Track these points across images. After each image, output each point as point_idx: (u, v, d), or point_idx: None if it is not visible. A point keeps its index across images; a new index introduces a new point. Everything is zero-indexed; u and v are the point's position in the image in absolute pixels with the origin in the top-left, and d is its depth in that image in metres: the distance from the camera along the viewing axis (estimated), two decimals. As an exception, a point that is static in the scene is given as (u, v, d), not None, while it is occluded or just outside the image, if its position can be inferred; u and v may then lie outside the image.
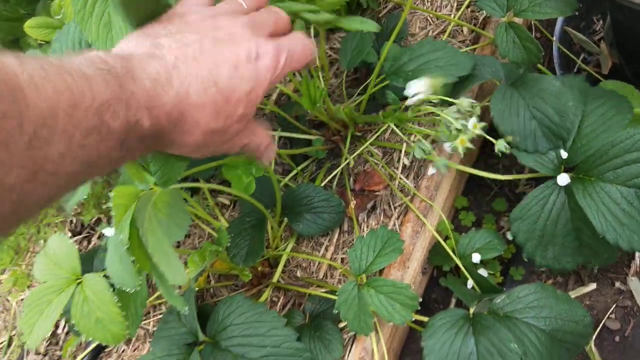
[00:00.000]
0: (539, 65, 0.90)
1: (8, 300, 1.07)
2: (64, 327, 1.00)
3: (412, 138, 0.90)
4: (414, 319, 0.75)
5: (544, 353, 0.68)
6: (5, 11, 1.15)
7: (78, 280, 0.70)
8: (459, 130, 0.63)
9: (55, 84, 0.32)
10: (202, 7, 0.48)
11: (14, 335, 1.03)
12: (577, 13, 0.88)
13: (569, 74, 1.00)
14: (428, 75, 0.64)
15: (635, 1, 0.70)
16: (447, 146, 0.64)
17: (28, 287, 1.03)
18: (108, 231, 0.76)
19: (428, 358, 0.68)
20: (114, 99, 0.36)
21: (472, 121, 0.62)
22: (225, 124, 0.44)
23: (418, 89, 0.62)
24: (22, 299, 1.06)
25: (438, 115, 0.65)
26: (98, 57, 0.38)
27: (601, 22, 1.03)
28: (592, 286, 0.88)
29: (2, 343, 1.04)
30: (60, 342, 0.99)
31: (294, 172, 0.94)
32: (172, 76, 0.40)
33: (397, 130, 0.85)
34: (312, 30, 1.01)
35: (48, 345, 1.00)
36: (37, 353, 1.00)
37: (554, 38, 1.00)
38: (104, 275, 0.68)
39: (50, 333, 1.00)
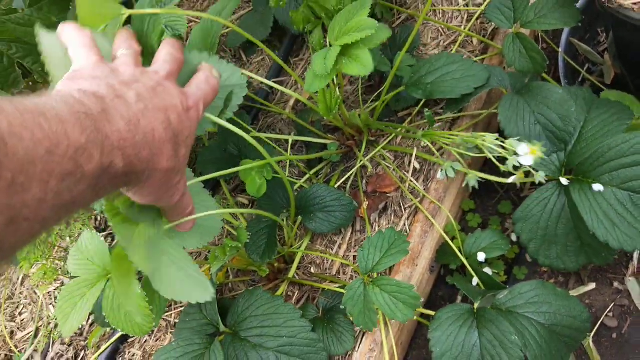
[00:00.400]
0: (544, 74, 0.95)
1: (36, 293, 1.13)
2: (89, 319, 1.06)
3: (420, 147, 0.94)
4: (421, 314, 0.79)
5: (543, 346, 0.72)
6: (38, 18, 1.21)
7: (108, 276, 0.75)
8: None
9: (33, 131, 0.33)
10: (131, 64, 0.50)
11: (40, 326, 1.09)
12: (580, 24, 0.93)
13: (573, 83, 1.04)
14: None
15: (635, 17, 0.75)
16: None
17: (55, 280, 1.09)
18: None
19: (434, 349, 0.72)
20: (89, 142, 0.36)
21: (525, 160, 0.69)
22: (177, 163, 0.46)
23: (523, 151, 0.68)
24: (48, 292, 1.11)
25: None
26: (72, 97, 0.38)
27: (605, 34, 1.07)
28: (592, 286, 0.92)
29: (29, 333, 1.09)
30: (85, 334, 1.05)
31: (308, 175, 0.98)
32: (139, 117, 0.42)
33: (431, 146, 0.90)
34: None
35: (73, 336, 1.05)
36: (63, 343, 1.05)
37: (560, 49, 1.04)
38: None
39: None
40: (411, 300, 0.72)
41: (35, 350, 1.07)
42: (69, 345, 1.04)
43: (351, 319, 0.77)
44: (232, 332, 0.79)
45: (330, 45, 0.75)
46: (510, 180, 0.73)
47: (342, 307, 0.77)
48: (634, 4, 0.75)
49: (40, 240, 0.92)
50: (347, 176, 0.96)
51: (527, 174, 0.75)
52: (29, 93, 1.35)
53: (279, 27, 1.12)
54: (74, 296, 0.75)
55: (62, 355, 1.04)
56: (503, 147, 0.73)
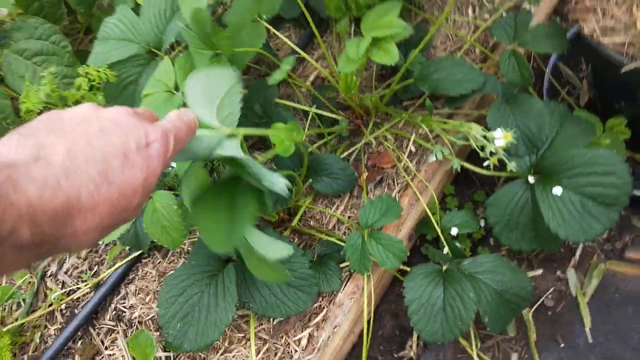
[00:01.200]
0: (530, 88, 1.11)
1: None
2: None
3: (416, 134, 1.10)
4: (398, 270, 0.96)
5: (493, 306, 0.90)
6: (87, -37, 1.32)
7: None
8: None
9: None
10: (113, 109, 0.46)
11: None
12: (567, 52, 1.09)
13: (555, 100, 1.21)
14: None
15: (610, 54, 0.91)
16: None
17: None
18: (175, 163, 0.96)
19: (407, 294, 0.89)
20: None
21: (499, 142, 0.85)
22: (121, 218, 0.42)
23: (499, 135, 0.84)
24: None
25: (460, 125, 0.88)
26: None
27: (586, 64, 1.24)
28: (539, 271, 1.10)
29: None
30: (100, 251, 1.18)
31: (320, 142, 1.14)
32: (59, 179, 0.37)
33: (428, 132, 1.06)
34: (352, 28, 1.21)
35: (89, 252, 1.19)
36: (78, 257, 1.19)
37: (547, 69, 1.21)
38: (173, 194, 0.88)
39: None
40: (399, 253, 0.89)
41: (52, 260, 1.20)
42: (84, 260, 1.18)
43: (348, 263, 0.93)
44: (243, 260, 0.95)
45: (362, 35, 0.90)
46: (486, 163, 0.90)
47: (342, 253, 0.93)
48: (612, 43, 0.92)
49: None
50: (352, 150, 1.12)
51: (502, 164, 0.91)
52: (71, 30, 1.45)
53: (308, 8, 1.26)
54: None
55: (77, 267, 1.17)
56: (485, 138, 0.89)
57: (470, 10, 1.26)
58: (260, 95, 1.10)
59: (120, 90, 1.08)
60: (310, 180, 1.06)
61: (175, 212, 0.87)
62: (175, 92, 0.94)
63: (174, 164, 1.02)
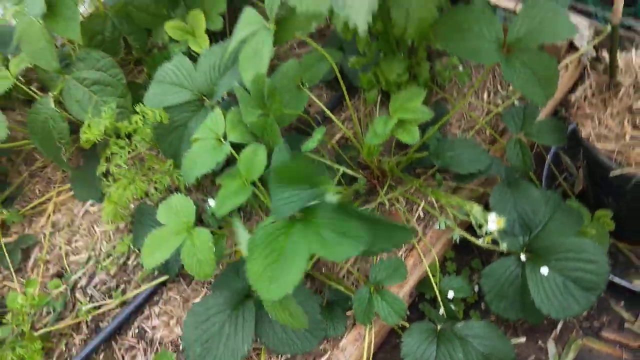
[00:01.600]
0: (531, 174, 1.25)
1: (93, 228, 1.38)
2: (134, 260, 1.31)
3: (420, 206, 1.23)
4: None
5: (479, 367, 1.01)
6: (152, 7, 1.48)
7: (190, 230, 1.01)
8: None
9: None
10: None
11: (92, 254, 1.34)
12: (567, 144, 1.23)
13: (552, 184, 1.35)
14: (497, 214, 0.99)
15: (600, 157, 1.05)
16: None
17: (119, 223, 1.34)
18: (212, 202, 1.09)
19: (404, 348, 1.01)
20: None
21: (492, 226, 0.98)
22: None
23: (492, 220, 0.97)
24: (104, 230, 1.37)
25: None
26: None
27: (582, 156, 1.38)
28: (523, 339, 1.22)
29: (81, 258, 1.34)
30: (127, 270, 1.30)
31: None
32: None
33: (434, 202, 1.19)
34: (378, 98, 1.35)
35: (117, 271, 1.31)
36: (108, 274, 1.30)
37: (548, 157, 1.35)
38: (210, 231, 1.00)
39: (122, 261, 1.31)
40: (401, 311, 1.01)
41: (84, 274, 1.32)
42: (113, 277, 1.30)
43: (350, 312, 1.05)
44: (259, 301, 1.06)
45: (388, 110, 1.04)
46: (480, 241, 1.02)
47: (350, 303, 1.05)
48: (604, 149, 1.05)
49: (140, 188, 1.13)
50: (366, 207, 1.25)
51: (496, 243, 1.04)
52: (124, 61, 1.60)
53: (342, 74, 1.40)
54: (160, 239, 1.01)
55: (105, 283, 1.29)
56: (483, 217, 1.02)
57: (485, 95, 1.41)
58: (293, 148, 1.23)
59: (169, 131, 1.22)
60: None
61: (210, 249, 0.99)
62: (223, 141, 1.07)
63: (212, 203, 1.15)
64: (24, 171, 1.56)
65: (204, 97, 1.21)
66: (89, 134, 1.15)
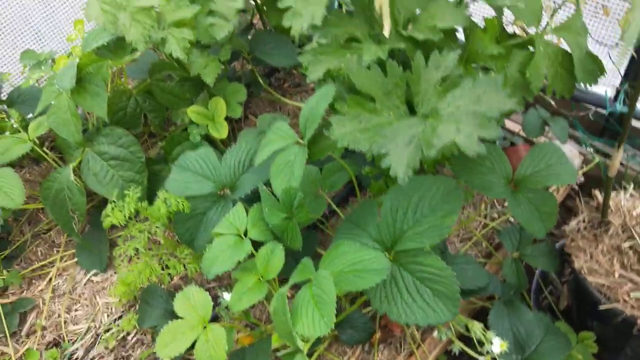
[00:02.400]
0: (523, 292, 1.34)
1: (95, 298, 1.40)
2: (134, 336, 1.32)
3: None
4: None
5: None
6: (176, 90, 1.56)
7: (204, 325, 1.05)
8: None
9: None
10: None
11: (92, 326, 1.34)
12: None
13: (539, 297, 1.44)
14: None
15: (592, 292, 1.15)
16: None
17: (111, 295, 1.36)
18: (226, 295, 1.13)
19: None
20: None
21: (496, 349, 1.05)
22: None
23: (497, 343, 1.04)
24: (107, 302, 1.38)
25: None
26: None
27: (570, 272, 1.49)
28: None
29: (80, 329, 1.35)
30: (127, 346, 1.31)
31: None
32: None
33: None
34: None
35: (116, 345, 1.31)
36: (106, 348, 1.31)
37: (537, 272, 1.45)
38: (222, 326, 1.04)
39: (121, 335, 1.32)
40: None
41: (81, 345, 1.32)
42: (111, 351, 1.30)
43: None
44: None
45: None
46: (481, 358, 1.09)
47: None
48: (594, 282, 1.15)
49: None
50: (368, 309, 1.31)
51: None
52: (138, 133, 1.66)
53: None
54: (176, 331, 1.04)
55: (102, 357, 1.29)
56: (483, 335, 1.09)
57: (482, 206, 1.52)
58: (306, 245, 1.30)
59: (189, 218, 1.27)
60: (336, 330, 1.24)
61: (223, 347, 1.02)
62: (244, 237, 1.12)
63: (226, 297, 1.19)
64: (27, 231, 1.57)
65: (225, 190, 1.27)
66: (112, 218, 1.19)
